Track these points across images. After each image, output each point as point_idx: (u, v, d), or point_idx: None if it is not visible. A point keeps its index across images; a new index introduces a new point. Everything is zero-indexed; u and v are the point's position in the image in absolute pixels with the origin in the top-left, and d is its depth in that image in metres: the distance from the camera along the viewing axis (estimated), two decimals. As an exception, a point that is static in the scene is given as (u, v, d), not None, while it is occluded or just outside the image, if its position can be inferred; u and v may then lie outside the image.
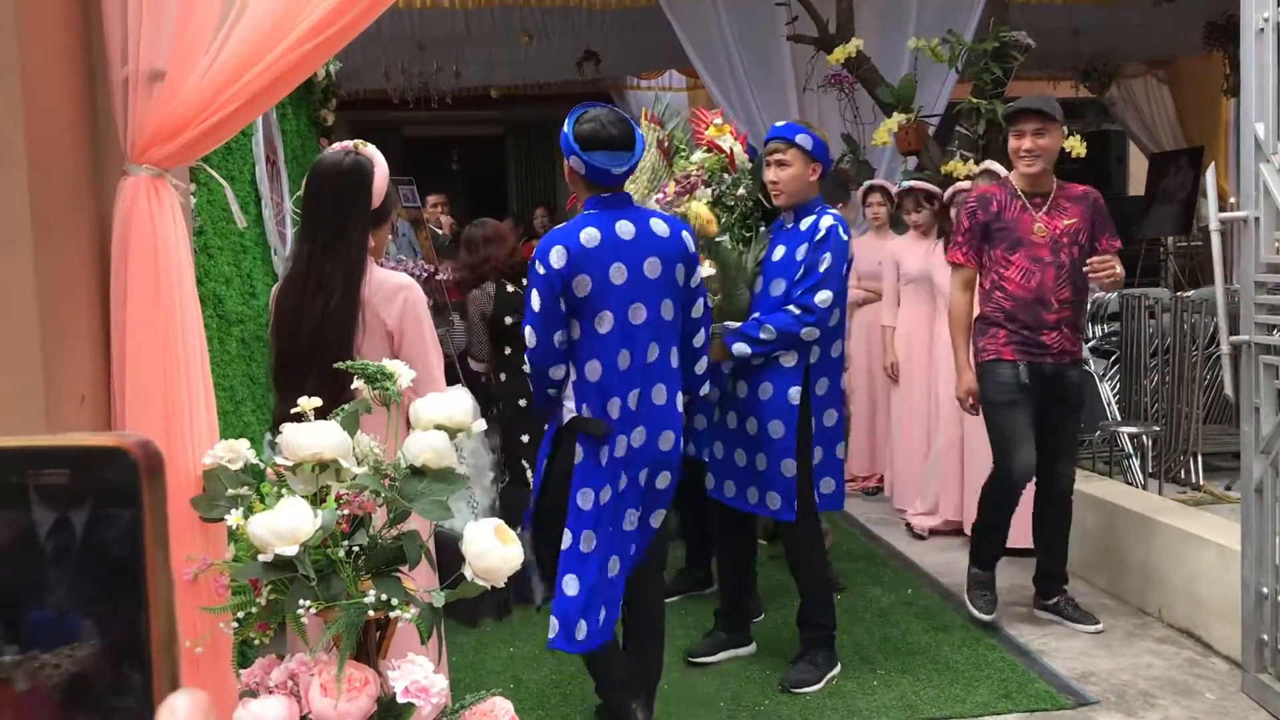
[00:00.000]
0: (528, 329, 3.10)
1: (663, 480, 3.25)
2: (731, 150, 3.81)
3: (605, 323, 3.07)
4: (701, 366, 3.39)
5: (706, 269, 3.67)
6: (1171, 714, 3.50)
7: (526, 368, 3.18)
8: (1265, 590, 3.47)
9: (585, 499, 3.11)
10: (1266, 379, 3.46)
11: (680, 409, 3.24)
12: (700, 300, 3.29)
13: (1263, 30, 3.40)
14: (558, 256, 3.02)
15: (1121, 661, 3.91)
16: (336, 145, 2.59)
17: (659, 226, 3.15)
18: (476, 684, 3.78)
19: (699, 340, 3.34)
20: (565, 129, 3.06)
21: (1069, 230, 4.00)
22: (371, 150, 2.56)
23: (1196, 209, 9.47)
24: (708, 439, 4.02)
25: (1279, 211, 3.41)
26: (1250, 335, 3.52)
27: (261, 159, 4.64)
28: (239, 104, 1.80)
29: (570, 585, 3.12)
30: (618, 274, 3.05)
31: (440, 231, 8.12)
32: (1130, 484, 5.03)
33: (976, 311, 4.20)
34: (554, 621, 3.15)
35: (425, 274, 6.70)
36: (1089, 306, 4.27)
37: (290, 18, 1.84)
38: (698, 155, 3.88)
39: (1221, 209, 3.79)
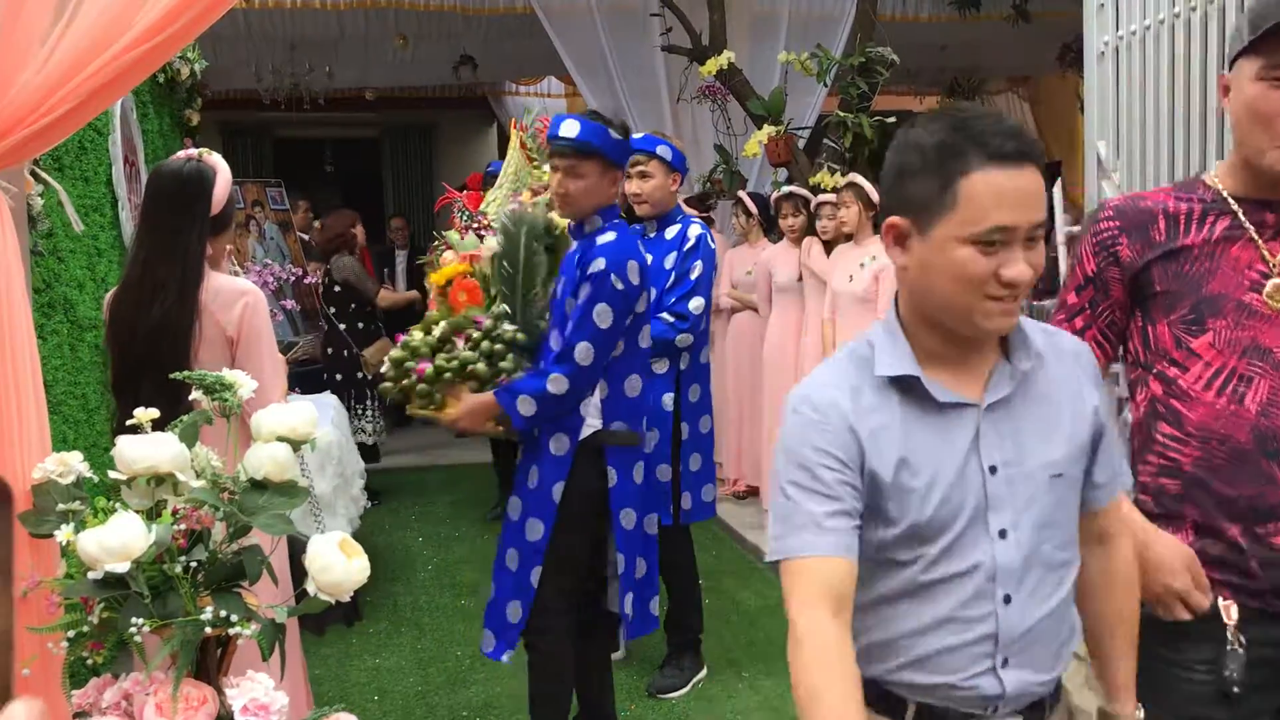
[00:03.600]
0: (584, 347, 2.78)
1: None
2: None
3: (645, 336, 3.00)
4: None
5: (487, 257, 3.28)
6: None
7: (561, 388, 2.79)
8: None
9: (628, 518, 2.99)
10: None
11: None
12: None
13: (1103, 53, 3.57)
14: (634, 272, 2.84)
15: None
16: (180, 153, 2.59)
17: None
18: (341, 696, 3.72)
19: None
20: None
21: None
22: (215, 159, 2.58)
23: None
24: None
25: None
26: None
27: (120, 159, 4.48)
28: (71, 105, 1.74)
29: (629, 604, 3.04)
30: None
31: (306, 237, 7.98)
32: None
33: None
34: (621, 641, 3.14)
35: (294, 278, 6.56)
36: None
37: (127, 16, 1.78)
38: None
39: (1076, 221, 3.95)
